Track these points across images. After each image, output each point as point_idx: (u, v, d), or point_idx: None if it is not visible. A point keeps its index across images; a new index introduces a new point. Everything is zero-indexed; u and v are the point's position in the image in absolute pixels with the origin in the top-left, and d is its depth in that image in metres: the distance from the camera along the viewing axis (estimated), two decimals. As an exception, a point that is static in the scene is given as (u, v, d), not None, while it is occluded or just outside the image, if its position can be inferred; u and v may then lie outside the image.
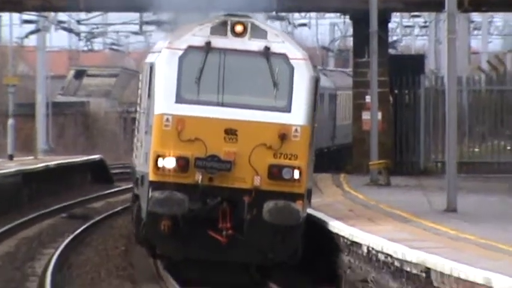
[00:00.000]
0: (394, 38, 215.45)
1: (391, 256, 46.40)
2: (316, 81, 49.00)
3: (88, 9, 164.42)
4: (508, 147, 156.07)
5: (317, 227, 58.02)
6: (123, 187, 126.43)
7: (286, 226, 45.80)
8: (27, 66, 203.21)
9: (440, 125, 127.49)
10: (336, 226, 54.77)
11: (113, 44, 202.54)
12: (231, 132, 45.39)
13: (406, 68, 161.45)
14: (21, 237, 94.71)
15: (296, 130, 45.74)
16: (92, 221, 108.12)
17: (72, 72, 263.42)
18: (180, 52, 46.09)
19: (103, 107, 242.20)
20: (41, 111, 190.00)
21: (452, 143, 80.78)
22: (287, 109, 45.91)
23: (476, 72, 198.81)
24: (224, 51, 46.21)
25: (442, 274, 39.10)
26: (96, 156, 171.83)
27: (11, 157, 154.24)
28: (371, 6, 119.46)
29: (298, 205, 46.07)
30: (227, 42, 46.53)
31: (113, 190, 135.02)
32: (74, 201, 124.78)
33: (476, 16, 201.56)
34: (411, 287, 43.53)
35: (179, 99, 45.55)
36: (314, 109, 49.04)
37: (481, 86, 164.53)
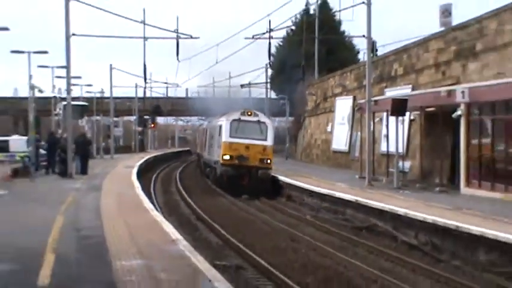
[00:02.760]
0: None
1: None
2: (274, 130, 68.13)
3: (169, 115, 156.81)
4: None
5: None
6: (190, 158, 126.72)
7: (265, 178, 60.78)
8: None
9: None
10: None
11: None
12: (247, 147, 59.86)
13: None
14: (161, 174, 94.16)
15: (268, 147, 61.52)
16: (184, 164, 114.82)
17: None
18: (230, 120, 61.99)
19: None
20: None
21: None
22: (265, 140, 61.38)
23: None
24: (244, 121, 61.70)
25: (289, 184, 60.15)
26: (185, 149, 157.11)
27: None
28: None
29: (269, 172, 60.84)
30: (245, 117, 61.86)
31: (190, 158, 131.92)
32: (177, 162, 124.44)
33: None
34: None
35: (231, 136, 60.52)
36: (274, 139, 66.25)
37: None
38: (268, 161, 59.23)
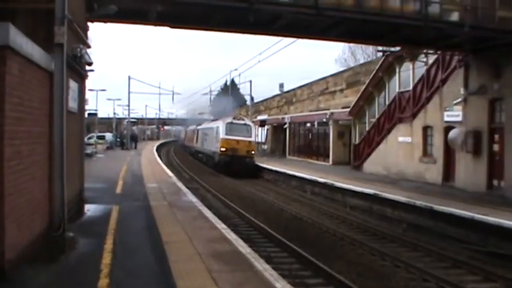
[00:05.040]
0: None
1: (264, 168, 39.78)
2: (255, 130, 43.16)
3: (168, 125, 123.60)
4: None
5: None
6: (173, 144, 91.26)
7: (251, 164, 39.15)
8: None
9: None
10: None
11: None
12: (237, 142, 38.98)
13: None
14: (165, 149, 75.72)
15: (252, 142, 40.14)
16: (174, 146, 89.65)
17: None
18: (227, 122, 40.36)
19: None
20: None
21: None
22: (250, 137, 39.88)
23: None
24: (236, 124, 40.28)
25: (270, 170, 35.78)
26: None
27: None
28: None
29: (253, 160, 39.28)
30: (236, 121, 40.59)
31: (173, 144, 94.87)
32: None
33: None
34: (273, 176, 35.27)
35: (226, 134, 39.49)
36: (255, 137, 43.06)
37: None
38: (252, 152, 40.27)
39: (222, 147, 39.67)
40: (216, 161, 41.09)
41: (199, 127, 56.56)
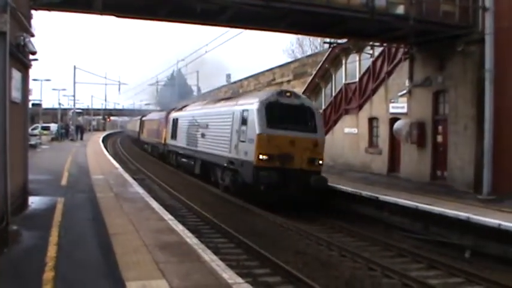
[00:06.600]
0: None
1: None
2: (321, 118, 22.73)
3: (115, 115, 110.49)
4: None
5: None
6: (119, 135, 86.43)
7: (321, 186, 20.17)
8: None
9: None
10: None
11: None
12: (292, 142, 20.12)
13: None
14: (111, 140, 72.42)
15: (320, 141, 20.79)
16: (121, 137, 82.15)
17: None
18: (268, 102, 20.53)
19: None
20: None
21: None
22: (315, 131, 20.84)
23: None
24: (285, 105, 20.71)
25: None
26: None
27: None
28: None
29: (323, 178, 20.54)
30: (285, 100, 20.68)
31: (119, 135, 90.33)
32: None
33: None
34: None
35: (268, 126, 20.18)
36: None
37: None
38: (320, 162, 20.89)
39: (262, 153, 20.60)
40: (251, 180, 20.75)
41: (179, 114, 35.95)
